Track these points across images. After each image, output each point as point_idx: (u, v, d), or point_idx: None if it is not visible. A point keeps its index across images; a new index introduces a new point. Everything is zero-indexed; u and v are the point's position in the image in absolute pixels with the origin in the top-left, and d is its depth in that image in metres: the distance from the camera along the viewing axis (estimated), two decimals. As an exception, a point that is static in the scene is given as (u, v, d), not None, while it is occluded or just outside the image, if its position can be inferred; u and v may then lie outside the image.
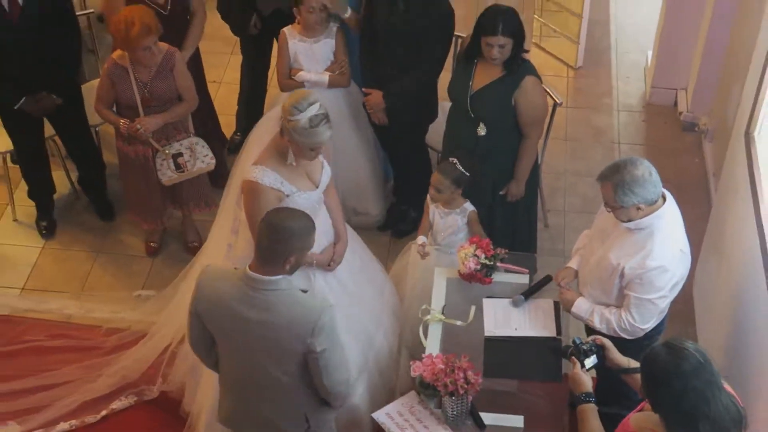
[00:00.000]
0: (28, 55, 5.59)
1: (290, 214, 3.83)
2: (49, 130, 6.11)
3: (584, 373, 3.85)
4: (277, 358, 3.86)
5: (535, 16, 7.49)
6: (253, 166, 4.43)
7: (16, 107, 5.73)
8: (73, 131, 6.17)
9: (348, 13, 5.62)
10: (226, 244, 4.92)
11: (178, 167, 5.61)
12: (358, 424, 4.73)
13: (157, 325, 5.46)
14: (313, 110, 4.23)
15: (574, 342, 3.96)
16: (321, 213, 4.67)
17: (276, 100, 5.73)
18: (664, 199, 4.06)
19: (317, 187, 4.57)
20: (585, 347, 3.92)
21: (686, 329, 5.26)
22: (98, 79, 5.72)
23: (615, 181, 3.94)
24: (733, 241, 4.79)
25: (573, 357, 3.92)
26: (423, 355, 4.25)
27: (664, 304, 4.19)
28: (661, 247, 4.04)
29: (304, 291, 3.87)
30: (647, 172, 3.94)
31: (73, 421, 5.21)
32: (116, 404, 5.28)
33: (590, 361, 3.90)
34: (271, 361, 3.88)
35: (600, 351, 3.93)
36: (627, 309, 4.16)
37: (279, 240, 3.69)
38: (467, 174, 4.93)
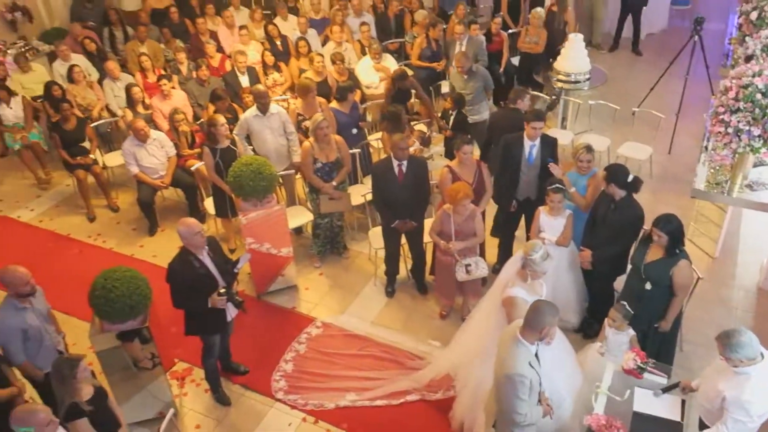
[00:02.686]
0: (405, 199, 5.92)
1: (548, 303, 3.85)
2: (402, 240, 6.34)
3: None
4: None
5: (692, 223, 7.04)
6: (509, 288, 4.48)
7: (392, 226, 6.06)
8: (416, 245, 6.30)
9: (572, 190, 5.64)
10: (486, 314, 4.84)
11: (467, 272, 5.70)
12: None
13: (436, 358, 5.52)
14: (542, 252, 4.41)
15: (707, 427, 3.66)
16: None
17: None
18: (762, 356, 3.69)
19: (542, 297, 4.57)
20: None
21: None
22: (433, 217, 5.96)
23: (725, 343, 3.67)
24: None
25: None
26: (592, 413, 4.08)
27: (753, 425, 3.75)
28: (753, 388, 3.66)
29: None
30: (749, 339, 3.64)
31: (385, 401, 5.34)
32: (410, 397, 5.36)
33: None
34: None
35: None
36: (724, 423, 3.77)
37: (539, 315, 3.73)
38: (632, 312, 4.75)
